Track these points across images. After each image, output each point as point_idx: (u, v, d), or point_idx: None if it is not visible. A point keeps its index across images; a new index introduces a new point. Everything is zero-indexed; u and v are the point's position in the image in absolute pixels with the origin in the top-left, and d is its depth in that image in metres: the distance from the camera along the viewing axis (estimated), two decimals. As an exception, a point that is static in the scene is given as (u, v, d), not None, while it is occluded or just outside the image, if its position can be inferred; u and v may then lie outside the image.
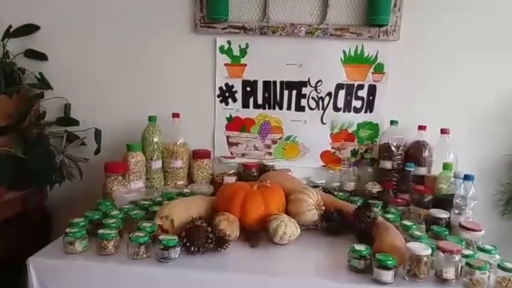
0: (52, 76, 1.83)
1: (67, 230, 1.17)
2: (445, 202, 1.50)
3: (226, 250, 1.21)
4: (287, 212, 1.40)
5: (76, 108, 1.85)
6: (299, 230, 1.31)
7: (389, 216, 1.44)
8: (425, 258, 1.09)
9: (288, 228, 1.28)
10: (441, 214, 1.42)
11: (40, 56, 1.83)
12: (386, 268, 1.07)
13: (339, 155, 1.85)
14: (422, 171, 1.69)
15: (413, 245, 1.13)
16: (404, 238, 1.22)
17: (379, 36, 1.73)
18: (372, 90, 1.79)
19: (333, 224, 1.39)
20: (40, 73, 1.81)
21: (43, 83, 1.82)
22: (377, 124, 1.82)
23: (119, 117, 1.86)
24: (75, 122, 1.82)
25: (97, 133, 1.78)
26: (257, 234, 1.30)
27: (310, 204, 1.41)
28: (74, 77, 1.85)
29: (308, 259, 1.25)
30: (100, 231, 1.17)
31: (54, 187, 1.79)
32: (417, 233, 1.28)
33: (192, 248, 1.17)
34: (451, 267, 1.09)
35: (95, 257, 1.16)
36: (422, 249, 1.10)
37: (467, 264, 1.08)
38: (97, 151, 1.77)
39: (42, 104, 1.83)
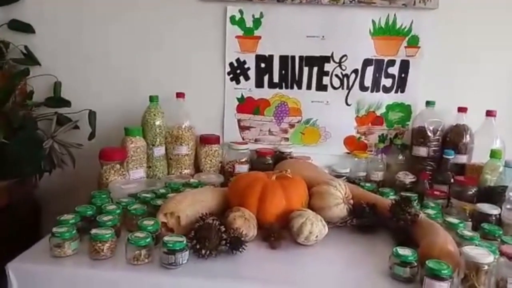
0: (40, 50, 1.69)
1: (54, 229, 1.01)
2: (492, 195, 1.34)
3: (242, 253, 1.06)
4: (311, 207, 1.25)
5: (68, 87, 1.71)
6: (327, 229, 1.16)
7: (428, 211, 1.27)
8: (487, 267, 0.92)
9: (314, 226, 1.12)
10: (492, 209, 1.25)
11: (26, 28, 1.67)
12: (440, 278, 0.90)
13: (366, 141, 1.71)
14: (462, 159, 1.53)
15: (470, 250, 0.96)
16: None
17: (414, 3, 1.56)
18: (404, 66, 1.63)
19: (365, 221, 1.23)
20: (26, 47, 1.66)
21: (30, 59, 1.67)
22: (409, 106, 1.67)
23: (116, 97, 1.72)
24: (66, 103, 1.67)
25: (91, 115, 1.64)
26: (278, 233, 1.14)
27: (337, 197, 1.25)
28: (65, 52, 1.70)
29: (340, 264, 1.09)
30: (93, 231, 1.01)
31: (44, 176, 1.66)
32: (468, 233, 1.11)
33: (203, 251, 1.02)
34: (517, 276, 0.92)
35: (88, 262, 1.00)
36: (482, 255, 0.93)
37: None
38: (91, 136, 1.63)
39: (29, 83, 1.70)
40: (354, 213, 1.25)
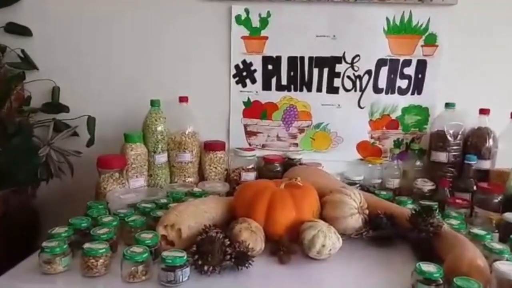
0: (38, 54, 1.63)
1: (44, 244, 0.94)
2: (520, 203, 1.24)
3: (249, 269, 0.98)
4: (323, 218, 1.17)
5: (66, 92, 1.65)
6: (341, 241, 1.07)
7: (451, 221, 1.18)
8: (522, 284, 0.83)
9: (327, 239, 1.04)
10: (521, 219, 1.16)
11: (23, 31, 1.62)
12: (470, 298, 0.81)
13: (380, 146, 1.63)
14: (486, 164, 1.45)
15: (502, 265, 0.87)
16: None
17: (431, -1, 1.47)
18: (421, 66, 1.55)
19: (382, 232, 1.15)
20: (22, 51, 1.61)
21: (27, 63, 1.61)
22: (426, 108, 1.58)
23: (116, 102, 1.65)
24: (64, 109, 1.63)
25: (90, 121, 1.58)
26: (288, 246, 1.06)
27: (352, 207, 1.16)
28: (64, 56, 1.65)
29: (356, 280, 1.01)
30: (86, 245, 0.94)
31: (42, 186, 1.61)
32: (496, 245, 1.02)
33: (206, 268, 0.94)
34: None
35: (80, 280, 0.93)
36: (517, 271, 0.84)
37: None
38: (90, 143, 1.57)
39: (26, 88, 1.65)
40: (370, 224, 1.16)
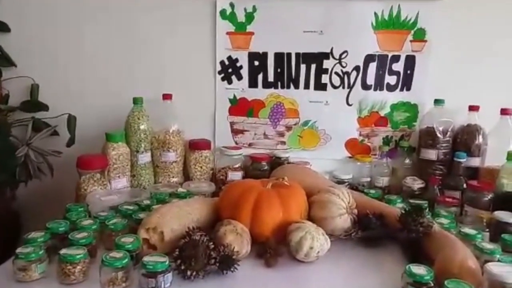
0: (16, 50, 1.58)
1: (18, 250, 0.90)
2: (510, 201, 1.24)
3: (234, 273, 0.94)
4: (311, 218, 1.14)
5: (45, 90, 1.59)
6: (329, 243, 1.04)
7: (441, 220, 1.17)
8: (514, 287, 0.81)
9: (315, 241, 1.01)
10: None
11: (0, 27, 1.55)
12: (461, 301, 0.79)
13: (369, 144, 1.61)
14: (475, 162, 1.43)
15: (495, 267, 0.85)
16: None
17: (420, -7, 1.45)
18: (410, 62, 1.53)
19: (371, 233, 1.12)
20: None
21: (4, 59, 1.55)
22: (415, 105, 1.57)
23: (98, 100, 1.60)
24: (43, 107, 1.57)
25: (71, 120, 1.53)
26: (275, 249, 1.03)
27: (341, 207, 1.13)
28: (43, 52, 1.59)
29: (346, 282, 0.98)
30: (63, 251, 0.90)
31: (22, 188, 1.56)
32: (487, 245, 1.00)
33: (189, 273, 0.90)
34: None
35: (57, 287, 0.88)
36: (509, 273, 0.82)
37: None
38: (70, 142, 1.52)
39: (4, 86, 1.59)
40: (359, 224, 1.14)
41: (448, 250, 0.94)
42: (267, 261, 1.01)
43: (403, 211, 1.09)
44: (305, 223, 1.06)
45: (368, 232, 1.12)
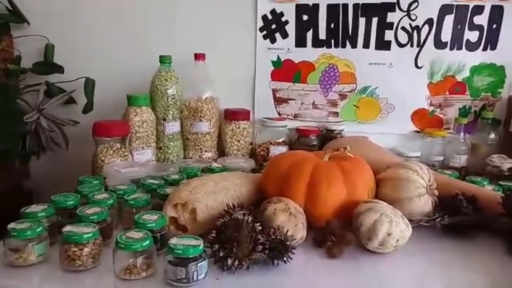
0: (28, 6, 1.45)
1: (10, 226, 0.72)
2: None
3: (287, 264, 0.75)
4: (380, 199, 0.93)
5: (61, 50, 1.46)
6: (410, 230, 0.83)
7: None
8: None
9: (394, 225, 0.80)
10: None
11: (11, -22, 1.43)
12: None
13: (442, 115, 1.43)
14: None
15: None
16: None
17: None
18: (496, 14, 1.32)
19: (463, 219, 0.91)
20: (10, 1, 1.40)
21: (15, 15, 1.41)
22: (502, 67, 1.37)
23: (120, 62, 1.46)
24: (58, 69, 1.42)
25: (88, 84, 1.39)
26: (340, 235, 0.83)
27: (419, 185, 0.93)
28: (59, 8, 1.46)
29: (430, 281, 0.77)
30: (67, 228, 0.72)
31: (34, 162, 1.45)
32: None
33: (229, 261, 0.72)
34: None
35: (59, 275, 0.71)
36: None
37: None
38: (87, 108, 1.38)
39: (16, 47, 1.45)
40: (445, 208, 0.92)
41: None
42: (330, 251, 0.81)
43: (508, 193, 0.87)
44: (378, 203, 0.85)
45: (457, 218, 0.91)
